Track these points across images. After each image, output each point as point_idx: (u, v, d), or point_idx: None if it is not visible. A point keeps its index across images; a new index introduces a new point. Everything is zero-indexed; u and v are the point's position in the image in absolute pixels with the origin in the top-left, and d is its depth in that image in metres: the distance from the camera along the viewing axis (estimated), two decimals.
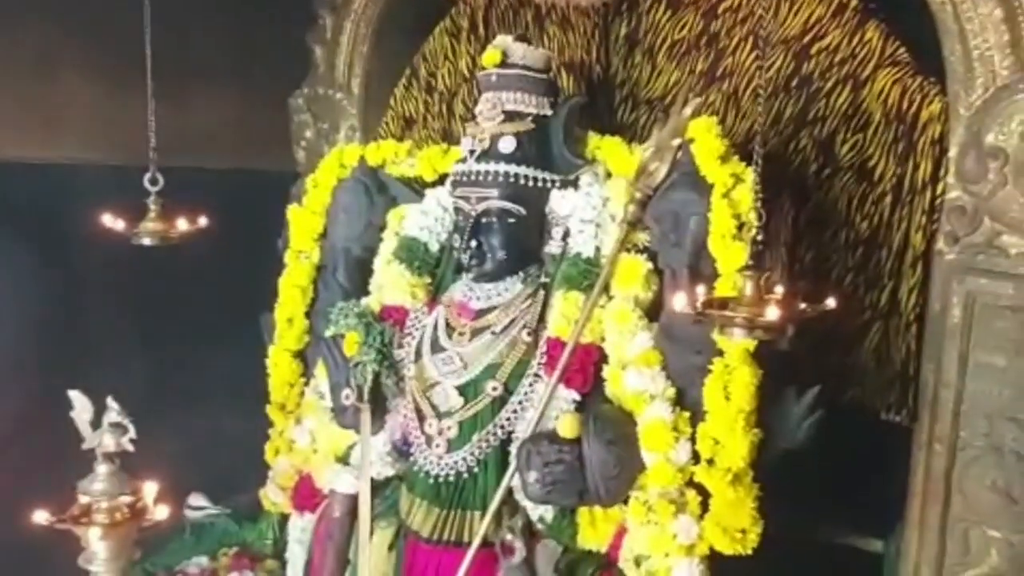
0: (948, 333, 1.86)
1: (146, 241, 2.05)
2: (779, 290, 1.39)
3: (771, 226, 1.89)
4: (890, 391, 1.96)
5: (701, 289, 1.46)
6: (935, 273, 1.90)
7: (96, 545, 1.54)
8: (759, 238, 1.45)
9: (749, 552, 1.63)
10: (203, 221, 2.13)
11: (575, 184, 1.91)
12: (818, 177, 2.03)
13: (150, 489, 1.61)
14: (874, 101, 1.95)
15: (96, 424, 1.62)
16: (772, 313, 1.28)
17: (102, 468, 1.58)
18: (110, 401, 1.63)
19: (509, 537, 1.27)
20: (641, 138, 2.02)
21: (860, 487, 2.10)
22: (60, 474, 1.57)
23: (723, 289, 1.61)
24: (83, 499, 1.57)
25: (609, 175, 1.93)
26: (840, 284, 1.99)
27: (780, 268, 1.91)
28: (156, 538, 2.61)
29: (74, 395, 1.65)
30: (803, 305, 1.38)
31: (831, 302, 1.39)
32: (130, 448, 1.61)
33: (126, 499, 1.58)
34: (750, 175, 1.65)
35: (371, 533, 1.90)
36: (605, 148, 1.95)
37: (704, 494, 1.67)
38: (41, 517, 1.52)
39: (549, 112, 1.92)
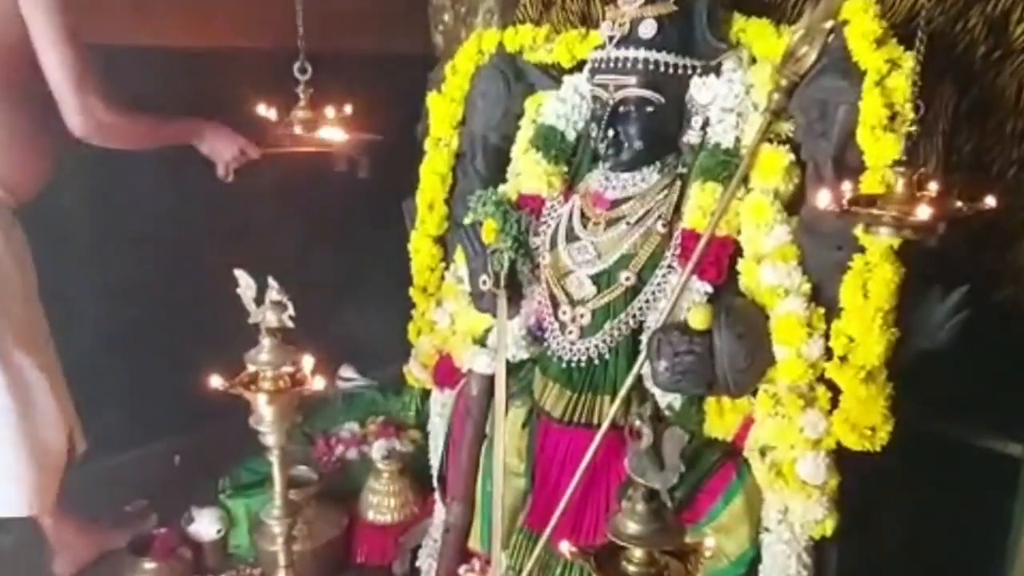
0: None
1: (297, 130, 2.15)
2: (932, 187, 1.32)
3: (929, 115, 1.77)
4: None
5: (847, 184, 1.41)
6: None
7: (264, 409, 1.72)
8: (914, 130, 1.38)
9: (878, 449, 1.62)
10: (348, 109, 2.21)
11: (717, 70, 1.84)
12: (986, 60, 1.87)
13: (308, 361, 1.76)
14: None
15: (259, 301, 1.77)
16: (923, 212, 1.23)
17: (266, 341, 1.74)
18: (271, 280, 1.77)
19: (638, 423, 1.32)
20: (791, 20, 1.90)
21: (1005, 389, 2.02)
22: (231, 345, 1.75)
23: (869, 184, 1.54)
24: (251, 368, 1.75)
25: (754, 60, 1.84)
26: (1001, 178, 1.86)
27: (936, 160, 1.80)
28: (312, 405, 2.88)
29: (239, 274, 1.80)
30: (958, 203, 1.31)
31: (991, 200, 1.32)
32: (290, 324, 1.76)
33: (288, 369, 1.75)
34: (908, 61, 1.55)
35: (506, 411, 2.00)
36: (751, 31, 1.86)
37: (834, 390, 1.65)
38: (217, 382, 1.70)
39: None
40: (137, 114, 2.14)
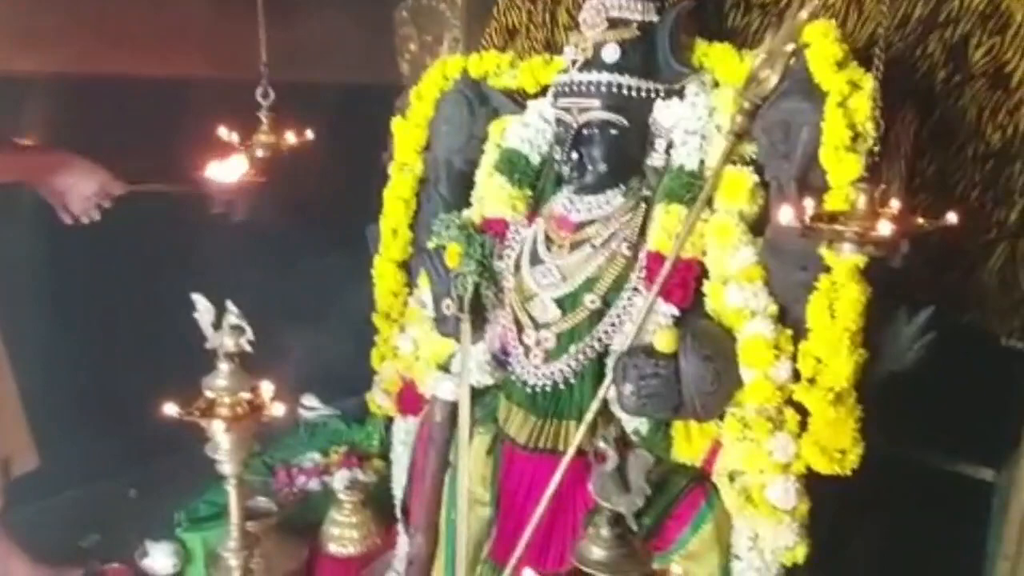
0: None
1: (258, 153, 2.13)
2: (895, 204, 1.32)
3: (891, 138, 1.79)
4: (1013, 315, 1.86)
5: (810, 203, 1.41)
6: None
7: (220, 437, 1.66)
8: (876, 149, 1.38)
9: (848, 472, 1.60)
10: (310, 134, 2.19)
11: (680, 94, 1.84)
12: (946, 85, 1.89)
13: (267, 388, 1.71)
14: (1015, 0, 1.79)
15: (217, 326, 1.72)
16: (885, 228, 1.22)
17: (223, 366, 1.69)
18: (229, 304, 1.73)
19: (602, 445, 1.29)
20: (752, 44, 1.92)
21: (974, 414, 2.02)
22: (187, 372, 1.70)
23: (833, 204, 1.54)
24: (208, 394, 1.69)
25: (716, 84, 1.85)
26: (964, 200, 1.87)
27: (898, 183, 1.81)
28: (274, 435, 2.81)
29: (197, 298, 1.75)
30: (920, 220, 1.31)
31: (951, 217, 1.32)
32: (248, 348, 1.72)
33: (246, 396, 1.70)
34: (869, 82, 1.56)
35: (470, 438, 1.96)
36: (713, 55, 1.87)
37: (803, 413, 1.63)
38: (171, 410, 1.64)
39: (655, 18, 1.85)
40: None
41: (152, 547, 2.37)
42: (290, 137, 2.17)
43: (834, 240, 1.26)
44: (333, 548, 2.44)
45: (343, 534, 2.44)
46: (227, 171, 2.14)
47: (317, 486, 2.67)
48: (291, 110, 2.29)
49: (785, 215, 1.32)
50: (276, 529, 2.36)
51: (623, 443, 1.33)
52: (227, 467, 1.70)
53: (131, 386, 2.42)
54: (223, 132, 2.19)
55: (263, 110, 2.13)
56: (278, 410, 1.70)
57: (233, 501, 1.74)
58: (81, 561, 2.41)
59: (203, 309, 1.75)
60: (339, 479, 2.56)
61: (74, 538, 2.54)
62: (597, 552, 1.17)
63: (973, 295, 1.90)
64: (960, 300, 1.89)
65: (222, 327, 1.71)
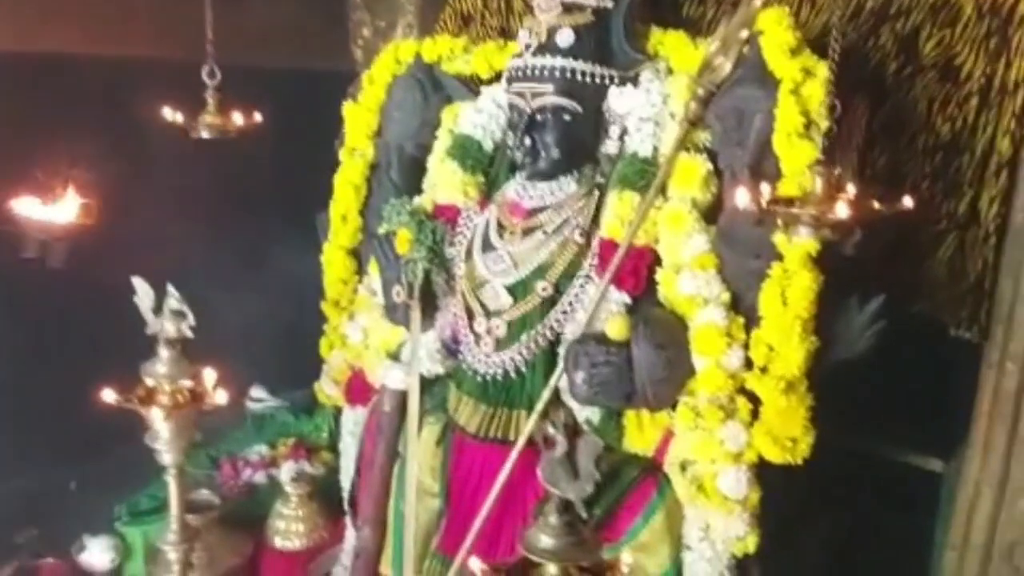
0: None
1: (204, 134, 2.05)
2: (850, 189, 1.32)
3: (843, 129, 1.79)
4: (962, 306, 1.87)
5: (766, 187, 1.39)
6: (1021, 181, 1.77)
7: (159, 425, 1.61)
8: (832, 130, 1.37)
9: (799, 461, 1.60)
10: (258, 116, 2.12)
11: (635, 81, 1.83)
12: (897, 76, 1.90)
13: (209, 375, 1.66)
14: None
15: (158, 311, 1.66)
16: (841, 210, 1.22)
17: (164, 352, 1.64)
18: (170, 288, 1.67)
19: (551, 430, 1.26)
20: (707, 33, 1.91)
21: (923, 404, 2.03)
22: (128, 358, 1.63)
23: (786, 191, 1.53)
24: (148, 381, 1.63)
25: (671, 72, 1.84)
26: (915, 191, 1.88)
27: (850, 173, 1.81)
28: (219, 426, 2.74)
29: (137, 282, 1.70)
30: (876, 204, 1.30)
31: (907, 201, 1.32)
32: (189, 334, 1.66)
33: (187, 383, 1.64)
34: (823, 69, 1.56)
35: (420, 428, 1.92)
36: (668, 43, 1.85)
37: (755, 401, 1.63)
38: (109, 396, 1.58)
39: (610, 4, 1.82)
40: None
41: (90, 541, 2.29)
42: (237, 119, 2.10)
43: (790, 223, 1.25)
44: (278, 542, 2.38)
45: (289, 527, 2.38)
46: (50, 212, 1.89)
47: (263, 479, 2.61)
48: (239, 96, 2.22)
49: (742, 198, 1.31)
50: (219, 523, 2.30)
51: (572, 429, 1.30)
52: (167, 457, 1.64)
53: (73, 375, 2.34)
54: (167, 111, 2.11)
55: (209, 90, 2.06)
56: (220, 398, 1.65)
57: (173, 492, 1.69)
58: (14, 556, 2.32)
59: (143, 294, 1.69)
60: (286, 471, 2.50)
61: (9, 533, 2.44)
62: (545, 540, 1.14)
63: (923, 285, 1.90)
64: (910, 290, 1.90)
65: (163, 312, 1.65)
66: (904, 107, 1.89)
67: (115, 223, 2.51)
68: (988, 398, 1.84)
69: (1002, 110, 1.78)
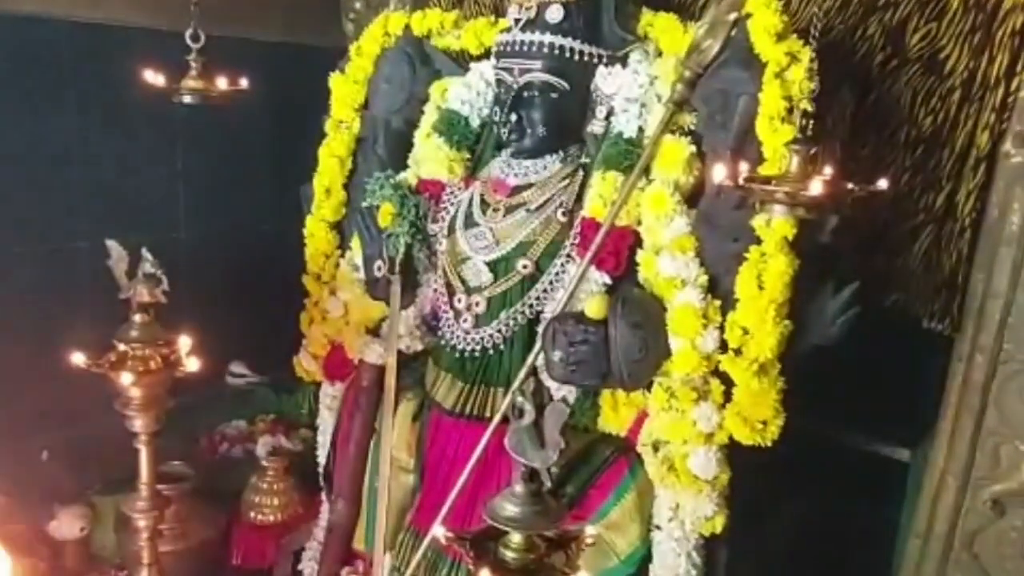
0: (1004, 240, 1.76)
1: (186, 99, 2.02)
2: (827, 170, 1.32)
3: (827, 120, 1.80)
4: (936, 298, 1.88)
5: (744, 165, 1.40)
6: (998, 177, 1.78)
7: (131, 391, 1.60)
8: (811, 111, 1.38)
9: (768, 444, 1.61)
10: (244, 83, 2.09)
11: (623, 61, 1.82)
12: (883, 69, 1.90)
13: (184, 342, 1.65)
14: None
15: (132, 275, 1.65)
16: (816, 188, 1.22)
17: (137, 317, 1.63)
18: (144, 252, 1.66)
19: (519, 399, 1.26)
20: (697, 17, 1.91)
21: (892, 394, 2.05)
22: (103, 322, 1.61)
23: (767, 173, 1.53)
24: (120, 347, 1.62)
25: (660, 54, 1.84)
26: (895, 184, 1.89)
27: (833, 164, 1.82)
28: (200, 402, 2.72)
29: (111, 244, 1.68)
30: (850, 185, 1.31)
31: (882, 183, 1.32)
32: (163, 299, 1.65)
33: (161, 349, 1.63)
34: (807, 54, 1.56)
35: (397, 403, 1.92)
36: (658, 25, 1.85)
37: (728, 384, 1.63)
38: (79, 359, 1.57)
39: None
40: None
41: (60, 511, 2.27)
42: (221, 84, 2.06)
43: (766, 200, 1.25)
44: (253, 515, 2.37)
45: (263, 501, 2.38)
46: None
47: (240, 453, 2.61)
48: (224, 66, 2.20)
49: (719, 172, 1.31)
50: (193, 495, 2.28)
51: (540, 398, 1.30)
52: (137, 423, 1.63)
53: (46, 341, 2.32)
54: (148, 75, 2.08)
55: (192, 54, 2.02)
56: (193, 365, 1.64)
57: (143, 459, 1.68)
58: None
59: (117, 257, 1.68)
60: (262, 445, 2.50)
61: None
62: (509, 508, 1.13)
63: (898, 278, 1.92)
64: (885, 282, 1.91)
65: (137, 276, 1.64)
66: (888, 100, 1.90)
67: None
68: (956, 390, 1.86)
69: (983, 105, 1.79)
